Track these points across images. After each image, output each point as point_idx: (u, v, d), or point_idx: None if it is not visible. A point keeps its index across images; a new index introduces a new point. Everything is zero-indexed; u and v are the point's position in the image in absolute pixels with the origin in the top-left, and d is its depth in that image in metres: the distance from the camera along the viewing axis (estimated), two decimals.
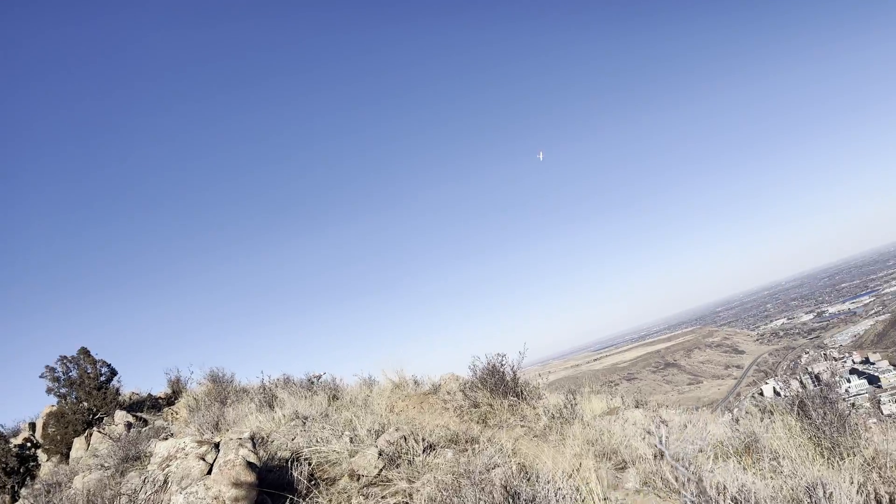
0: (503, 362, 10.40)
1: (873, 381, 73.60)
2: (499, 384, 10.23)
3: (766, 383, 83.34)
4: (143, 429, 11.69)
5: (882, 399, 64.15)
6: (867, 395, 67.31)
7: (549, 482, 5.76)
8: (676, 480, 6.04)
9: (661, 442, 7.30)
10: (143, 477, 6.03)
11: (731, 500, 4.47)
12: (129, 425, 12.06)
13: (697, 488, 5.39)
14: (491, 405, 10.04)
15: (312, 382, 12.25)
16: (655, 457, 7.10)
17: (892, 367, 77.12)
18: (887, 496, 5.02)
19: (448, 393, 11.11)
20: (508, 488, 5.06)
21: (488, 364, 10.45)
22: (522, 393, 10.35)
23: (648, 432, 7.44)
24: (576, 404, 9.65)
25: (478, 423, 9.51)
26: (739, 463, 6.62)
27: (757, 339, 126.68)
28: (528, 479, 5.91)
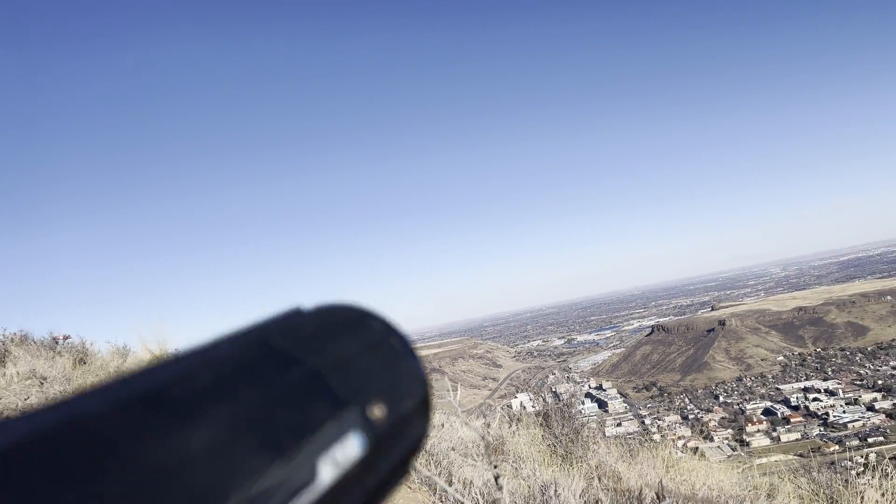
0: None
1: (602, 405, 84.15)
2: None
3: (516, 397, 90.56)
4: None
5: (607, 422, 73.30)
6: (595, 417, 76.53)
7: None
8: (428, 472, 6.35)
9: None
10: None
11: (478, 493, 4.80)
12: None
13: (446, 481, 5.73)
14: None
15: (57, 342, 10.86)
16: None
17: (619, 395, 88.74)
18: (605, 497, 5.73)
19: None
20: None
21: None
22: None
23: None
24: None
25: None
26: (489, 463, 7.16)
27: (514, 356, 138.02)
28: None
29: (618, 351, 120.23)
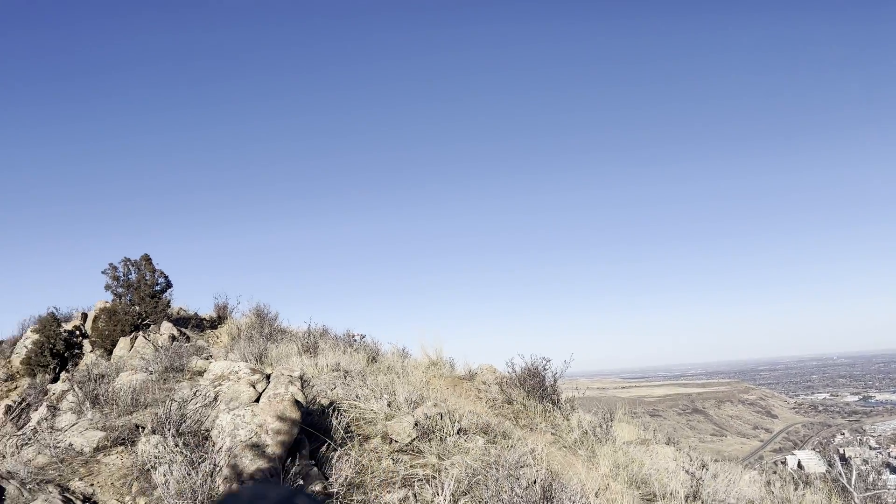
0: (546, 367, 10.33)
1: None
2: (537, 387, 10.17)
3: (793, 454, 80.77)
4: (185, 344, 12.03)
5: None
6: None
7: (579, 494, 5.70)
8: None
9: (696, 483, 7.12)
10: (194, 389, 6.23)
11: None
12: (172, 338, 12.42)
13: None
14: (525, 405, 10.00)
15: (355, 340, 12.40)
16: (687, 498, 6.95)
17: None
18: None
19: (483, 383, 11.09)
20: (545, 489, 5.02)
21: (531, 365, 10.39)
22: (558, 401, 10.26)
23: (686, 471, 7.28)
24: (611, 426, 9.51)
25: (509, 420, 9.48)
26: None
27: (793, 408, 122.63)
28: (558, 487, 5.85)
29: None
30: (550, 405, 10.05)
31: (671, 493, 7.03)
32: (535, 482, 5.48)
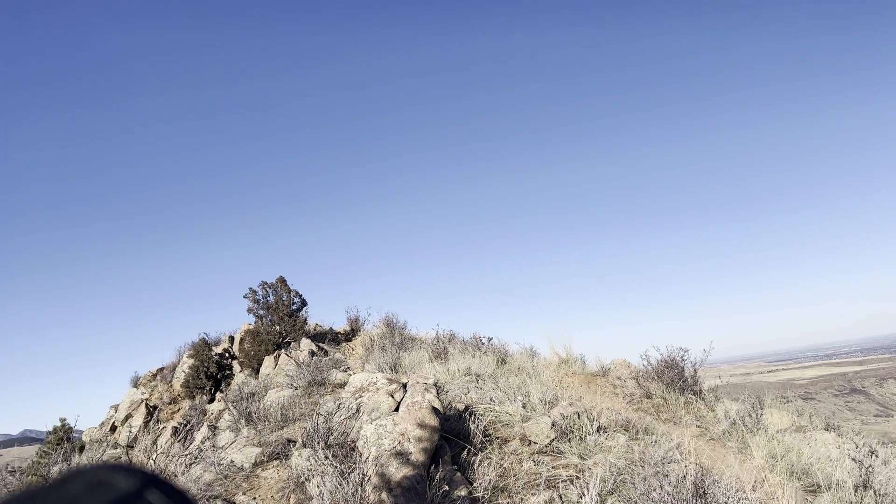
0: (684, 357, 9.89)
1: None
2: (676, 379, 9.77)
3: None
4: (324, 358, 12.61)
5: None
6: None
7: (735, 489, 5.40)
8: None
9: (865, 472, 6.56)
10: (338, 402, 6.54)
11: None
12: (312, 353, 13.07)
13: None
14: (665, 399, 9.64)
15: (482, 343, 12.49)
16: (857, 488, 6.40)
17: None
18: None
19: (618, 378, 10.81)
20: (698, 486, 4.80)
21: (668, 356, 9.99)
22: (700, 392, 9.79)
23: (852, 458, 6.70)
24: (761, 413, 8.95)
25: (649, 414, 9.16)
26: None
27: None
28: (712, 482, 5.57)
29: None
30: (692, 396, 9.62)
31: (837, 484, 6.50)
32: (684, 478, 5.25)
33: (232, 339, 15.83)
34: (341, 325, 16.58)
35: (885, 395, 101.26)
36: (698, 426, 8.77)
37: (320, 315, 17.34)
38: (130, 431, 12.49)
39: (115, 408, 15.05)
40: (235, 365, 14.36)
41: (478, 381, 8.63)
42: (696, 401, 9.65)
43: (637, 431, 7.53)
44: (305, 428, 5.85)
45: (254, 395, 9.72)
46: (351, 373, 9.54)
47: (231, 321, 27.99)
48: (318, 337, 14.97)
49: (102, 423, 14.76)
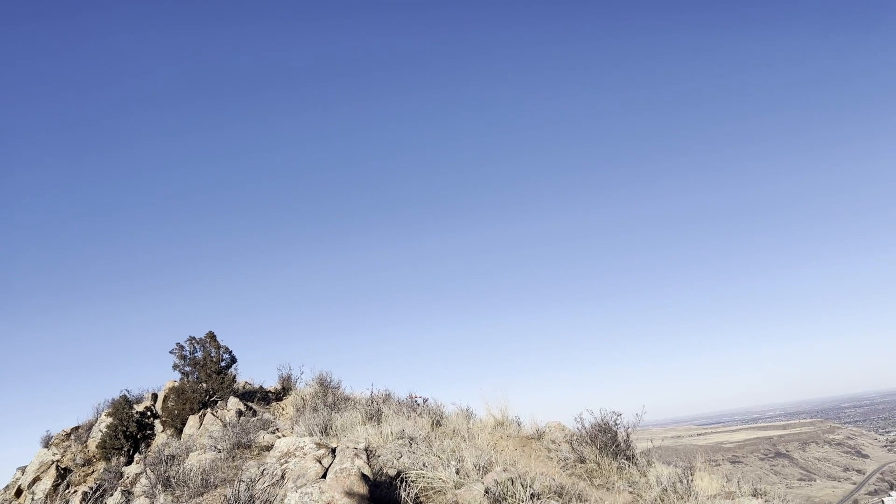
0: (617, 421, 9.94)
1: None
2: (609, 443, 9.78)
3: (891, 495, 75.15)
4: (252, 419, 12.13)
5: None
6: None
7: None
8: None
9: None
10: (262, 468, 6.22)
11: None
12: (239, 413, 12.55)
13: None
14: (598, 464, 9.61)
15: (417, 403, 12.27)
16: None
17: None
18: None
19: (553, 442, 10.75)
20: None
21: (601, 420, 10.02)
22: (633, 457, 9.82)
23: None
24: (691, 479, 9.02)
25: (583, 480, 9.11)
26: None
27: (885, 446, 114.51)
28: None
29: None
30: (625, 461, 9.62)
31: None
32: None
33: (155, 396, 15.06)
34: (272, 384, 16.04)
35: (808, 459, 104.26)
36: (631, 492, 8.74)
37: (251, 372, 16.82)
38: (34, 497, 11.59)
39: (23, 470, 14.04)
40: (158, 424, 13.64)
41: (411, 444, 8.41)
42: (629, 466, 9.65)
43: (570, 498, 7.44)
44: (226, 496, 5.53)
45: (174, 457, 9.18)
46: (280, 434, 9.19)
47: (156, 378, 26.75)
48: (248, 395, 14.41)
49: (7, 487, 13.75)
